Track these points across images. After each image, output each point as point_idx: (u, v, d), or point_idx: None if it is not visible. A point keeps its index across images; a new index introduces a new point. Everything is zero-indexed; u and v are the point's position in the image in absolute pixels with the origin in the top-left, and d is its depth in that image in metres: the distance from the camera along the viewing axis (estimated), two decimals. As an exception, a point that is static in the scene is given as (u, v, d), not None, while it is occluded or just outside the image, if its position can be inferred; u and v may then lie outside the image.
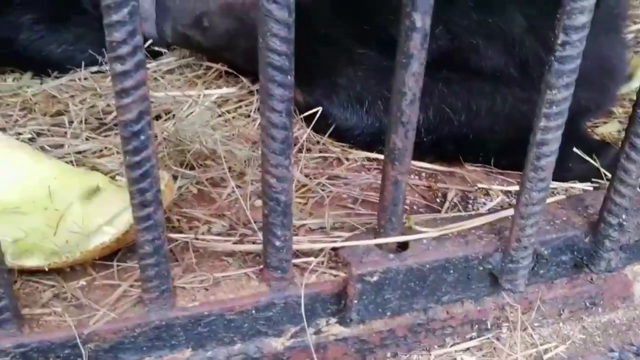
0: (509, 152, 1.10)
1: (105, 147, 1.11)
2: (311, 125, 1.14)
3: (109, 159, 1.09)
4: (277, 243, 0.80)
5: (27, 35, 1.26)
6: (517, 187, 1.10)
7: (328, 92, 1.13)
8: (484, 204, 1.07)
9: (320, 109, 1.13)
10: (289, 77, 0.69)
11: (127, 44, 0.62)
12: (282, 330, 0.85)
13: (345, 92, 1.13)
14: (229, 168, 1.03)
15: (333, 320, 0.88)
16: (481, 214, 0.94)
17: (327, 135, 1.15)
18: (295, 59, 1.17)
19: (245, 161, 1.05)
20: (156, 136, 1.10)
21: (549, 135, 0.77)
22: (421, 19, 0.71)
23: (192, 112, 1.16)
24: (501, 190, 1.10)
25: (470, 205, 1.06)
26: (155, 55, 1.39)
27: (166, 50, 1.40)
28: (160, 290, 0.78)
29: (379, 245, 0.86)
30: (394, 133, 0.78)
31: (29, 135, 1.13)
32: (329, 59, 1.11)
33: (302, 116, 1.17)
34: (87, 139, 1.14)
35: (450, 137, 1.11)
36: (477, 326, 0.95)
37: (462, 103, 1.09)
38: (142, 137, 0.67)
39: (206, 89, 1.26)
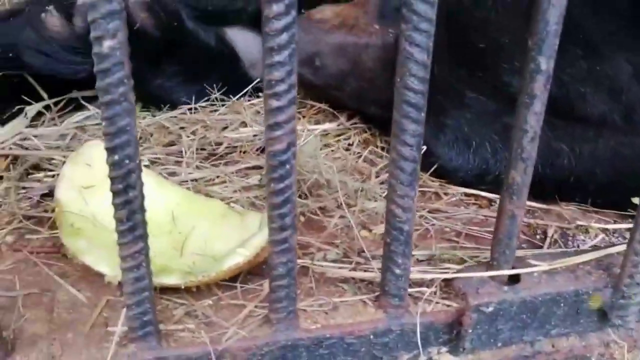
0: (607, 194, 1.13)
1: (218, 176, 1.17)
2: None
3: (221, 187, 1.16)
4: (397, 271, 0.84)
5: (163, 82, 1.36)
6: (615, 226, 1.12)
7: (435, 132, 1.17)
8: (584, 241, 1.09)
9: (425, 147, 1.17)
10: (422, 114, 0.74)
11: (284, 83, 0.68)
12: (396, 356, 0.89)
13: (453, 132, 1.17)
14: (337, 199, 1.08)
15: (444, 349, 0.91)
16: (586, 251, 0.97)
17: (428, 173, 1.19)
18: None
19: (355, 191, 1.10)
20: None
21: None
22: (546, 62, 0.75)
23: (302, 144, 1.22)
24: (600, 228, 1.12)
25: (570, 242, 1.08)
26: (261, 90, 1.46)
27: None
28: (287, 311, 0.82)
29: (492, 278, 0.89)
30: (514, 169, 0.82)
31: (146, 163, 1.20)
32: (439, 100, 1.16)
33: None
34: (198, 168, 1.21)
35: (552, 179, 1.14)
36: (581, 361, 0.97)
37: (566, 147, 1.13)
38: (288, 167, 0.72)
39: (308, 123, 1.33)
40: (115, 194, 0.70)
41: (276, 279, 0.80)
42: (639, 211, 0.84)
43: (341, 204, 1.06)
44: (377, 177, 1.19)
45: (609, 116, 1.09)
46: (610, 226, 1.12)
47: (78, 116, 1.33)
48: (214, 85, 1.40)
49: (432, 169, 1.19)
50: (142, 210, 0.72)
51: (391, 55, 1.19)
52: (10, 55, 1.31)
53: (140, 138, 1.29)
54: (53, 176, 1.14)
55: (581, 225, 1.11)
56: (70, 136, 1.29)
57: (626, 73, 1.07)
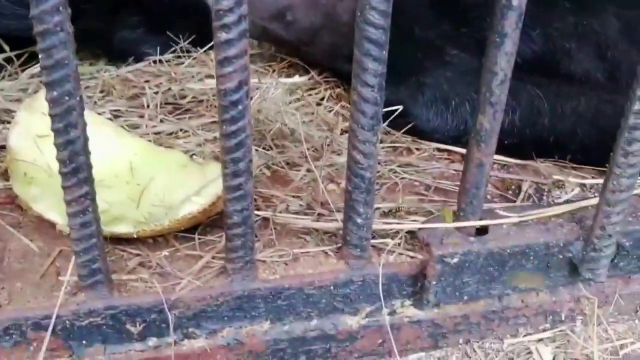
0: (587, 152, 1.10)
1: (181, 130, 1.13)
2: (387, 121, 1.14)
3: (185, 140, 1.12)
4: (359, 220, 0.80)
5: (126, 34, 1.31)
6: (593, 181, 1.09)
7: (413, 91, 1.13)
8: (559, 196, 1.06)
9: (401, 107, 1.13)
10: (384, 51, 0.70)
11: (233, 13, 0.63)
12: (358, 308, 0.86)
13: (432, 92, 1.12)
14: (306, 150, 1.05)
15: (408, 302, 0.88)
16: (559, 204, 0.94)
17: (402, 131, 1.15)
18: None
19: (322, 144, 1.07)
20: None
21: (641, 120, 0.77)
22: (517, -2, 0.71)
23: (268, 97, 1.18)
24: (576, 183, 1.09)
25: (545, 197, 1.05)
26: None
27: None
28: (244, 261, 0.79)
29: (458, 229, 0.86)
30: (482, 114, 0.79)
31: (108, 116, 1.16)
32: (419, 58, 1.11)
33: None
34: (162, 121, 1.17)
35: (532, 139, 1.11)
36: (551, 317, 0.94)
37: (548, 106, 1.09)
38: (240, 107, 0.68)
39: (278, 77, 1.28)
40: (56, 133, 0.66)
41: (232, 227, 0.76)
42: (611, 161, 0.81)
43: (306, 156, 1.02)
44: (344, 131, 1.15)
45: (593, 73, 1.06)
46: (588, 181, 1.09)
47: (39, 68, 1.27)
48: (180, 35, 1.35)
49: (406, 128, 1.15)
50: (86, 151, 0.68)
51: None
52: None
53: (103, 91, 1.25)
54: (11, 128, 1.09)
55: (558, 181, 1.08)
56: (32, 89, 1.24)
57: (614, 29, 1.03)
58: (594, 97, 1.09)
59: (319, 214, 0.93)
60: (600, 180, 1.10)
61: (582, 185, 1.09)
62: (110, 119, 1.16)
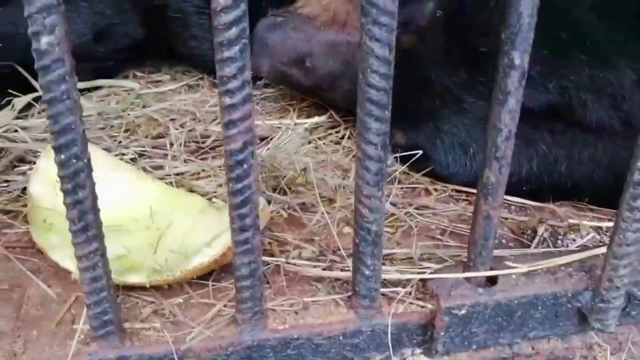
0: (604, 196, 1.10)
1: (203, 170, 1.16)
2: (406, 164, 1.15)
3: (206, 181, 1.14)
4: (367, 272, 0.81)
5: None
6: (609, 224, 1.08)
7: (432, 137, 1.14)
8: (574, 240, 1.05)
9: (420, 152, 1.14)
10: (386, 112, 0.71)
11: (236, 79, 0.65)
12: (368, 357, 0.87)
13: (450, 138, 1.13)
14: (320, 195, 1.06)
15: (418, 350, 0.88)
16: (572, 251, 0.94)
17: (420, 173, 1.16)
18: (402, 100, 1.20)
19: (335, 188, 1.08)
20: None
21: (647, 176, 0.76)
22: (520, 57, 0.72)
23: (286, 140, 1.19)
24: (592, 227, 1.08)
25: (559, 241, 1.05)
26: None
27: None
28: (253, 312, 0.80)
29: (467, 279, 0.86)
30: (488, 168, 0.79)
31: (132, 156, 1.19)
32: (437, 104, 1.12)
33: (398, 154, 1.18)
34: (185, 162, 1.20)
35: (550, 185, 1.11)
36: (564, 365, 0.93)
37: (565, 153, 1.09)
38: (245, 166, 0.70)
39: (298, 117, 1.30)
40: (65, 193, 0.68)
41: (240, 280, 0.78)
42: (617, 215, 0.81)
43: (316, 200, 1.03)
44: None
45: (608, 122, 1.06)
46: (604, 224, 1.08)
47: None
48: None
49: (425, 171, 1.16)
50: (95, 210, 0.71)
51: None
52: (0, 45, 1.30)
53: (127, 130, 1.28)
54: (36, 169, 1.13)
55: (574, 224, 1.07)
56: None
57: (629, 80, 1.03)
58: (609, 144, 1.09)
59: (331, 261, 0.94)
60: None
61: (599, 229, 1.09)
62: (134, 159, 1.20)
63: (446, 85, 1.11)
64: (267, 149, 1.18)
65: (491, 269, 0.87)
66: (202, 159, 1.21)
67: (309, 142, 1.21)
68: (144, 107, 1.37)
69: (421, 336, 0.87)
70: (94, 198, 0.70)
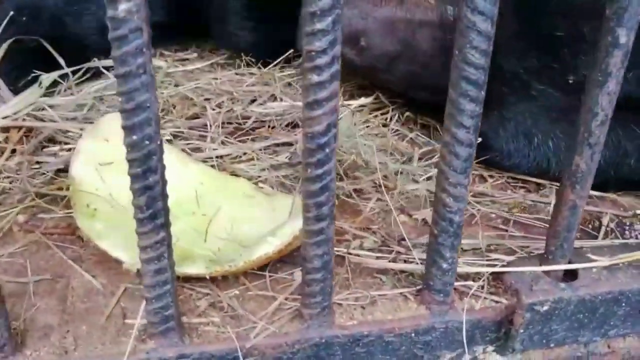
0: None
1: (245, 153, 1.09)
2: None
3: (248, 165, 1.08)
4: (444, 265, 0.76)
5: None
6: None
7: (495, 125, 1.06)
8: (641, 231, 1.00)
9: (480, 139, 1.08)
10: (482, 92, 0.65)
11: (326, 54, 0.59)
12: (439, 355, 0.81)
13: (514, 127, 1.06)
14: (373, 181, 1.00)
15: (490, 348, 0.83)
16: (649, 243, 0.88)
17: (476, 161, 1.09)
18: None
19: (394, 173, 1.02)
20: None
21: None
22: (626, 35, 0.66)
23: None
24: (660, 218, 1.03)
25: (627, 232, 0.99)
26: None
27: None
28: (321, 307, 0.75)
29: (546, 273, 0.81)
30: (579, 155, 0.73)
31: (167, 137, 1.13)
32: (503, 91, 1.04)
33: None
34: (224, 143, 1.13)
35: (616, 179, 1.04)
36: (639, 363, 0.88)
37: (635, 146, 1.03)
38: (327, 150, 0.64)
39: (342, 98, 1.24)
40: (134, 178, 0.62)
41: (311, 272, 0.72)
42: None
43: (380, 185, 0.97)
44: (420, 159, 1.10)
45: None
46: (670, 214, 1.03)
47: (96, 85, 1.25)
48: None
49: (484, 158, 1.09)
50: (164, 196, 0.65)
51: (450, 36, 1.08)
52: (25, 19, 1.23)
53: (162, 110, 1.22)
54: (69, 150, 1.07)
55: (639, 214, 1.02)
56: (88, 107, 1.21)
57: None
58: None
59: (396, 252, 0.88)
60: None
61: (665, 219, 1.03)
62: (170, 141, 1.13)
63: (515, 71, 1.03)
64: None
65: (570, 263, 0.81)
66: (241, 142, 1.15)
67: (355, 125, 1.15)
68: (176, 85, 1.30)
69: (495, 333, 0.81)
70: (164, 183, 0.64)
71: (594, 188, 1.06)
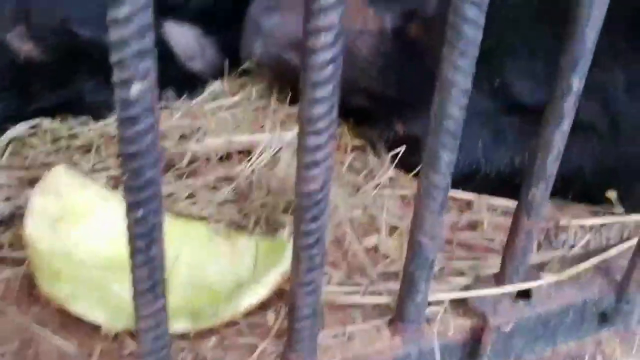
0: (588, 191, 1.14)
1: (190, 193, 1.09)
2: (395, 161, 1.14)
3: (189, 203, 1.07)
4: (419, 298, 0.80)
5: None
6: (591, 221, 1.13)
7: (427, 126, 1.12)
8: (566, 241, 1.09)
9: (404, 147, 1.13)
10: (457, 142, 0.70)
11: (326, 118, 0.61)
12: (413, 380, 0.86)
13: None
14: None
15: (458, 366, 0.89)
16: (583, 256, 0.97)
17: (413, 173, 1.15)
18: (406, 91, 1.16)
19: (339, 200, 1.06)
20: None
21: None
22: (578, 82, 0.73)
23: (275, 151, 1.15)
24: (577, 225, 1.12)
25: (554, 243, 1.08)
26: (191, 84, 1.37)
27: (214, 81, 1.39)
28: (309, 350, 0.77)
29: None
30: (535, 186, 0.80)
31: (104, 180, 1.10)
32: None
33: (394, 152, 1.16)
34: (164, 184, 1.12)
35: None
36: (577, 361, 0.97)
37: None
38: (322, 205, 0.66)
39: (273, 123, 1.25)
40: (137, 252, 0.62)
41: (300, 320, 0.74)
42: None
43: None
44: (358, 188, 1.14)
45: (597, 123, 1.09)
46: (588, 221, 1.13)
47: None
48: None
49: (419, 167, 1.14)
50: (164, 265, 0.64)
51: (388, 44, 1.13)
52: None
53: (89, 151, 1.18)
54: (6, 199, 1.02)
55: (561, 225, 1.11)
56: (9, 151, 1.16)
57: (619, 83, 1.07)
58: (597, 142, 1.12)
59: (361, 284, 0.92)
60: (597, 221, 1.15)
61: (583, 227, 1.13)
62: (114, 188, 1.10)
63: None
64: (264, 164, 1.13)
65: (525, 282, 0.88)
66: (178, 179, 1.14)
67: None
68: (95, 121, 1.26)
69: (463, 353, 0.87)
70: (164, 253, 0.64)
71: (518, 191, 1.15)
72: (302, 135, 0.63)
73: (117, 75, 0.53)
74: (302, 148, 0.63)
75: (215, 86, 1.36)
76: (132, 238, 0.61)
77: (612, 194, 1.18)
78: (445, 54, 0.65)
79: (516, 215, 0.84)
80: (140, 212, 0.59)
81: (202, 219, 1.03)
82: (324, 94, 0.60)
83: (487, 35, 1.06)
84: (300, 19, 1.18)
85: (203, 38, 1.43)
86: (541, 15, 1.05)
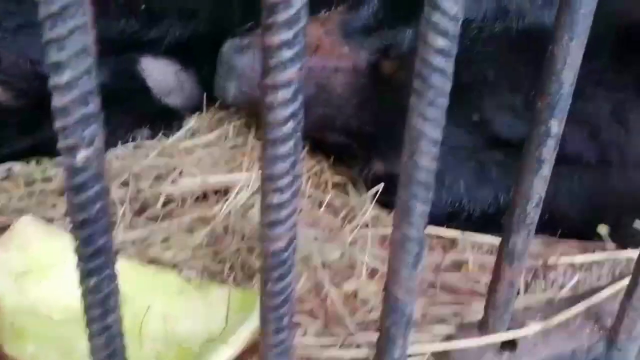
0: (578, 227, 1.11)
1: (164, 237, 1.05)
2: (375, 198, 1.11)
3: (164, 247, 1.04)
4: (397, 354, 0.76)
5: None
6: (581, 258, 1.10)
7: None
8: (555, 280, 1.06)
9: (382, 185, 1.10)
10: (430, 193, 0.67)
11: (288, 175, 0.58)
12: None
13: None
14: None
15: (440, 420, 0.85)
16: (571, 299, 0.94)
17: (391, 213, 1.12)
18: (384, 128, 1.14)
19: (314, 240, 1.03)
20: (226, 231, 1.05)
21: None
22: (557, 125, 0.70)
23: (248, 195, 1.12)
24: (568, 264, 1.09)
25: (543, 282, 1.05)
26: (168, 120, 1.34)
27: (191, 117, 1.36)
28: (282, 412, 0.73)
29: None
30: (516, 234, 0.77)
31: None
32: None
33: (374, 190, 1.13)
34: (136, 227, 1.08)
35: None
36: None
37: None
38: (288, 263, 0.63)
39: (249, 162, 1.22)
40: (92, 321, 0.58)
41: (271, 381, 0.70)
42: (636, 265, 0.81)
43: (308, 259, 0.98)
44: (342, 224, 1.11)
45: (585, 154, 1.07)
46: (577, 260, 1.10)
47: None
48: (123, 123, 1.27)
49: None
50: (122, 333, 0.61)
51: (363, 81, 1.11)
52: None
53: (61, 195, 1.15)
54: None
55: (550, 264, 1.08)
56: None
57: (604, 110, 1.05)
58: (585, 175, 1.10)
59: (338, 335, 0.88)
60: (588, 257, 1.11)
61: (573, 265, 1.10)
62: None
63: None
64: (241, 205, 1.10)
65: (509, 331, 0.85)
66: (153, 222, 1.10)
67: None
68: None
69: (445, 408, 0.84)
70: (122, 320, 0.60)
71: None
72: (264, 193, 0.59)
73: (61, 142, 0.50)
74: (264, 206, 0.60)
75: (192, 122, 1.33)
76: (87, 307, 0.58)
77: (603, 229, 1.15)
78: (413, 103, 0.61)
79: (497, 264, 0.80)
80: (93, 281, 0.56)
81: (174, 266, 0.99)
82: (285, 151, 0.57)
83: (465, 70, 1.05)
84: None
85: (181, 72, 1.41)
86: (519, 48, 1.03)
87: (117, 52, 1.36)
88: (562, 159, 1.09)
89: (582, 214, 1.11)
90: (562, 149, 1.09)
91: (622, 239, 1.12)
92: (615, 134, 1.05)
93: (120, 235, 1.05)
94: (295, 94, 0.55)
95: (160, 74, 1.39)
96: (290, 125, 0.56)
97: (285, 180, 0.58)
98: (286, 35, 0.52)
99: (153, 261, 1.01)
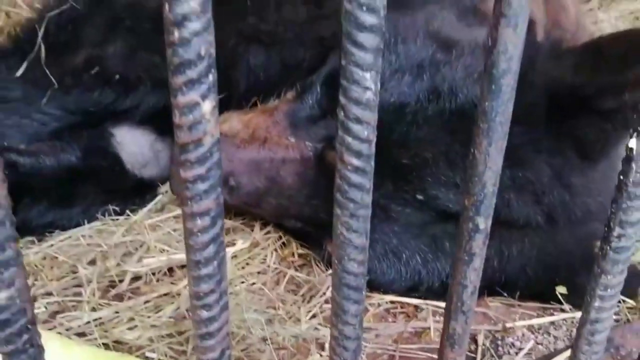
0: (534, 288, 1.14)
1: (130, 318, 1.08)
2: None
3: (130, 325, 1.06)
4: None
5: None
6: (539, 320, 1.13)
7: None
8: (513, 345, 1.08)
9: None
10: (362, 294, 0.69)
11: (215, 293, 0.61)
12: None
13: (382, 246, 1.13)
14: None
15: None
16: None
17: None
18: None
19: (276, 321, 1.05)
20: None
21: (603, 314, 0.79)
22: (484, 221, 0.72)
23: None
24: (525, 326, 1.11)
25: (501, 348, 1.07)
26: (141, 192, 1.37)
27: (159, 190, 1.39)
28: None
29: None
30: (454, 320, 0.79)
31: (43, 309, 1.09)
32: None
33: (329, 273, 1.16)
34: (101, 306, 1.11)
35: (482, 283, 1.13)
36: None
37: (495, 252, 1.12)
38: (223, 367, 0.65)
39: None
40: None
41: None
42: (577, 346, 0.83)
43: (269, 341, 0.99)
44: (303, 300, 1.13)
45: (532, 218, 1.10)
46: (535, 322, 1.12)
47: None
48: (95, 201, 1.29)
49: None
50: None
51: (311, 170, 1.14)
52: None
53: (31, 274, 1.17)
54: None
55: (509, 328, 1.10)
56: None
57: (546, 176, 1.08)
58: (536, 238, 1.13)
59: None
60: (546, 319, 1.14)
61: (531, 327, 1.12)
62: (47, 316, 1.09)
63: (374, 197, 1.10)
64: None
65: (459, 409, 0.87)
66: (120, 301, 1.13)
67: (235, 274, 1.16)
68: (39, 241, 1.25)
69: None
70: None
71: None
72: (192, 308, 0.62)
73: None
74: (195, 321, 0.62)
75: (161, 195, 1.35)
76: None
77: (562, 289, 1.17)
78: (337, 213, 0.64)
79: (440, 350, 0.82)
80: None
81: (139, 349, 1.01)
82: (209, 272, 0.59)
83: (404, 153, 1.08)
84: (223, 155, 1.20)
85: (157, 142, 1.44)
86: (453, 128, 1.07)
87: (92, 124, 1.39)
88: (513, 224, 1.13)
89: (537, 274, 1.14)
90: (511, 215, 1.13)
91: (580, 299, 1.14)
92: (559, 196, 1.09)
93: (85, 316, 1.08)
94: (213, 221, 0.58)
95: (136, 146, 1.42)
96: (211, 249, 0.59)
97: (212, 298, 0.61)
98: (199, 170, 0.55)
99: (118, 342, 1.03)
